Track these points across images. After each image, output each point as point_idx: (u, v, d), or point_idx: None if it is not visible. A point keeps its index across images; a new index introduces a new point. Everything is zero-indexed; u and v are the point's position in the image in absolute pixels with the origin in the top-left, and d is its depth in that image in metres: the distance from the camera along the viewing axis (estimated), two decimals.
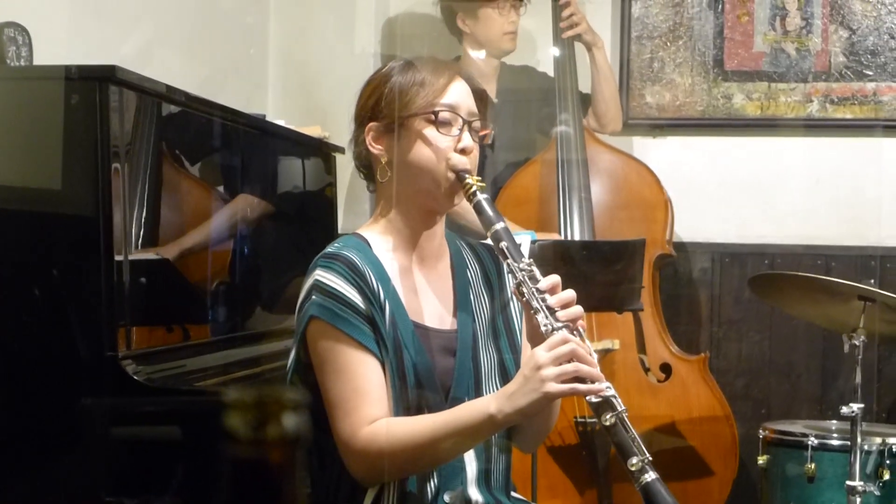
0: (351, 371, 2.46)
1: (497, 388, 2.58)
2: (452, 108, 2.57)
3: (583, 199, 4.60)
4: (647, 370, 4.56)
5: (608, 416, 2.39)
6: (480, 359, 2.62)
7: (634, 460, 2.36)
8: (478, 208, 2.54)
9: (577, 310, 2.47)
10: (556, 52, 4.72)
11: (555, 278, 2.50)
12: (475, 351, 2.62)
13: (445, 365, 2.58)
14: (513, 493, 2.73)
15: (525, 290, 2.48)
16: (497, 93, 4.73)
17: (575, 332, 2.44)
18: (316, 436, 2.56)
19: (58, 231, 2.91)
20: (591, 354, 2.41)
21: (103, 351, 2.82)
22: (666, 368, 4.56)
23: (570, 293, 2.49)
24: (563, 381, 2.37)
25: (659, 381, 4.55)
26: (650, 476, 2.36)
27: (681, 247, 5.00)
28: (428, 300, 2.62)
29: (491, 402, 2.43)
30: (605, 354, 4.38)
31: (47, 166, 2.90)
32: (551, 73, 4.77)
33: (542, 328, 2.44)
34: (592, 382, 2.39)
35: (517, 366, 2.65)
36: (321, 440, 2.55)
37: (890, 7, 4.90)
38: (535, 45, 5.03)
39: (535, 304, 2.46)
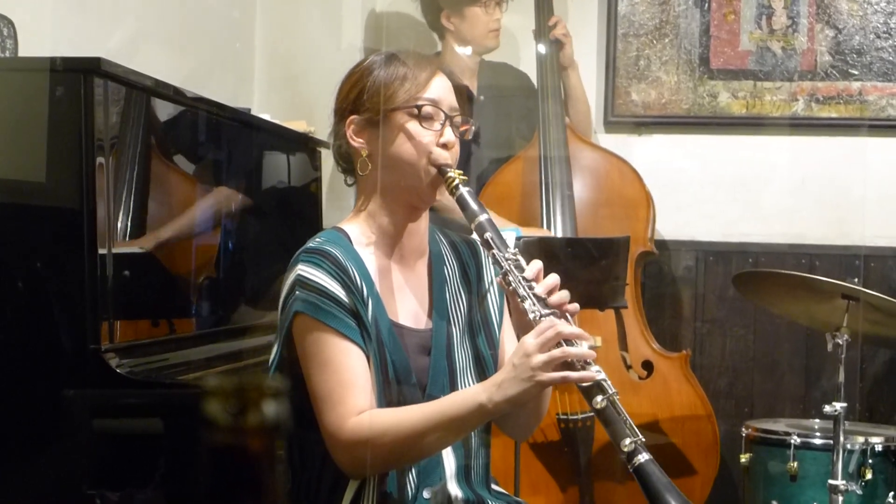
0: (336, 363, 2.46)
1: (473, 385, 2.58)
2: (435, 103, 2.57)
3: (565, 196, 4.61)
4: (628, 367, 4.56)
5: (599, 399, 2.37)
6: (455, 357, 2.62)
7: (627, 441, 2.35)
8: (460, 201, 2.54)
9: (564, 294, 2.47)
10: (540, 49, 4.74)
11: (538, 264, 2.50)
12: (450, 350, 2.61)
13: (421, 364, 2.57)
14: (494, 487, 2.72)
15: (511, 278, 2.48)
16: (477, 89, 4.74)
17: (563, 319, 2.43)
18: (297, 431, 2.55)
19: (41, 224, 2.91)
20: (581, 338, 2.41)
21: (86, 344, 2.82)
22: (648, 366, 4.56)
23: (555, 278, 2.49)
24: (554, 369, 2.37)
25: (641, 378, 4.56)
26: (644, 457, 2.34)
27: (665, 245, 5.01)
28: (404, 298, 2.62)
29: (481, 391, 2.42)
30: None
31: (31, 158, 2.90)
32: (527, 71, 4.79)
33: (530, 315, 2.44)
34: (583, 367, 2.38)
35: (494, 361, 2.66)
36: (302, 436, 2.54)
37: (876, 6, 4.91)
38: (516, 43, 5.03)
39: (521, 292, 2.46)
